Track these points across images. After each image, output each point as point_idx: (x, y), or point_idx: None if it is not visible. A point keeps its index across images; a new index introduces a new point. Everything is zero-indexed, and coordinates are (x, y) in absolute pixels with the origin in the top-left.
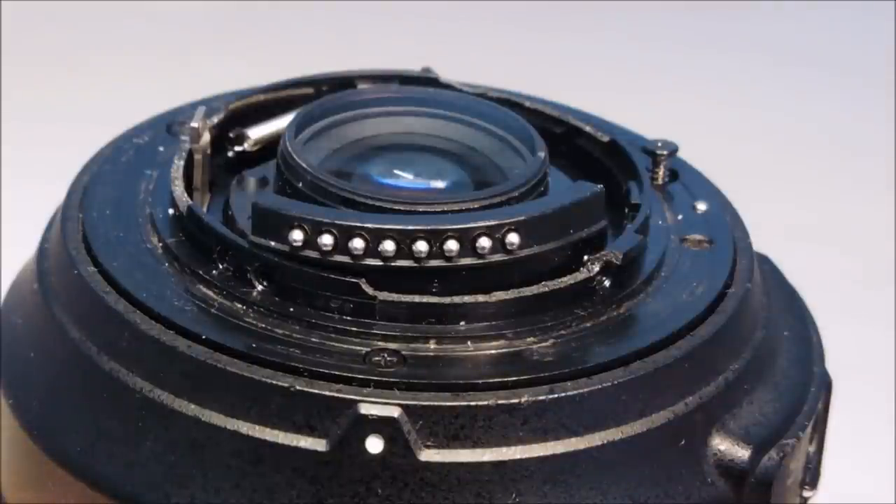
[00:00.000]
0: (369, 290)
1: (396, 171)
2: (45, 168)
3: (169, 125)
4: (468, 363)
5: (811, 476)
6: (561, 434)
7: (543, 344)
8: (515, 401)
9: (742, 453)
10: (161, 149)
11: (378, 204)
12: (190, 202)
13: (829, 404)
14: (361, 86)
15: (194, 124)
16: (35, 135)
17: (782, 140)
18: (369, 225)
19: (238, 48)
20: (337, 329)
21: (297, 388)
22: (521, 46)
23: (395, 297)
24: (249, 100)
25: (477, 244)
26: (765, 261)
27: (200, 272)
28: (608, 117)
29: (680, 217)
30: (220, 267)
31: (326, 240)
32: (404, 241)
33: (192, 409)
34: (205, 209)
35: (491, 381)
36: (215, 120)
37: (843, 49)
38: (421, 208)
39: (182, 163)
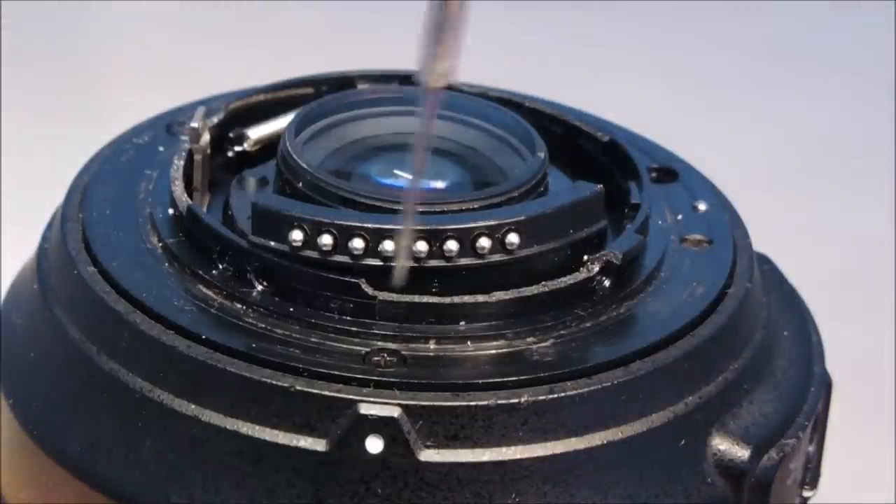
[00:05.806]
0: (369, 290)
1: (396, 171)
2: (45, 168)
3: (169, 125)
4: (468, 363)
5: (811, 476)
6: (561, 434)
7: (543, 344)
8: (515, 401)
9: (742, 453)
10: (161, 149)
11: (378, 204)
12: (190, 202)
13: (829, 404)
14: (361, 86)
15: (194, 124)
16: (35, 135)
17: (782, 140)
18: (369, 225)
19: (238, 48)
20: (337, 329)
21: (297, 388)
22: (521, 46)
23: (394, 297)
24: (249, 100)
25: (477, 244)
26: (765, 261)
27: (200, 272)
28: (608, 117)
29: (680, 217)
30: (220, 267)
31: (326, 240)
32: None
33: (191, 408)
34: (205, 209)
35: (491, 381)
36: (215, 120)
37: (843, 49)
38: (421, 208)
39: (182, 163)
